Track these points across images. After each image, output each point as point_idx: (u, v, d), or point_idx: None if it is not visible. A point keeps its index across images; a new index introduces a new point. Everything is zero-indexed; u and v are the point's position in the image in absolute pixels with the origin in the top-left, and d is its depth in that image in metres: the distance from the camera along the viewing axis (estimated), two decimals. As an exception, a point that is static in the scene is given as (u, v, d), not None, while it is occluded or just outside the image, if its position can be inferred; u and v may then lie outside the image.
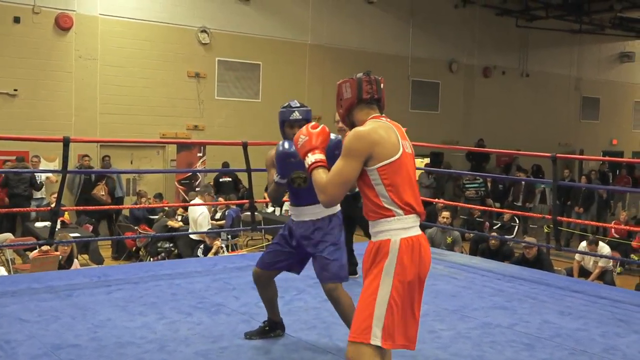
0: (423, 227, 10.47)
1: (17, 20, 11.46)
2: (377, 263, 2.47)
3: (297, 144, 2.65)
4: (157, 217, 11.00)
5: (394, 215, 2.48)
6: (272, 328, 3.86)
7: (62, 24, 11.89)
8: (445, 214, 8.63)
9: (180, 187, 12.90)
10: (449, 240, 8.56)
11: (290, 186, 3.59)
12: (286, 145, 3.46)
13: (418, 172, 15.15)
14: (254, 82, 14.48)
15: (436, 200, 11.08)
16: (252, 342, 3.77)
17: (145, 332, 3.91)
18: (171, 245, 10.00)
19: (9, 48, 11.39)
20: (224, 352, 3.60)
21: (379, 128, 2.53)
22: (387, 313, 2.40)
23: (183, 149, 13.09)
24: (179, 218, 10.80)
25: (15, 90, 11.47)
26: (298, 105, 3.67)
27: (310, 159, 2.57)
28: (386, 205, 2.49)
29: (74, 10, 12.03)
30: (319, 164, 2.55)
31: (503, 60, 18.87)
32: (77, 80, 12.13)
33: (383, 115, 2.68)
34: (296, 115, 3.63)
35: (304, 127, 2.69)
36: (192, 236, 9.39)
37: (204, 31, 13.59)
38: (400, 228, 2.48)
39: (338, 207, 3.63)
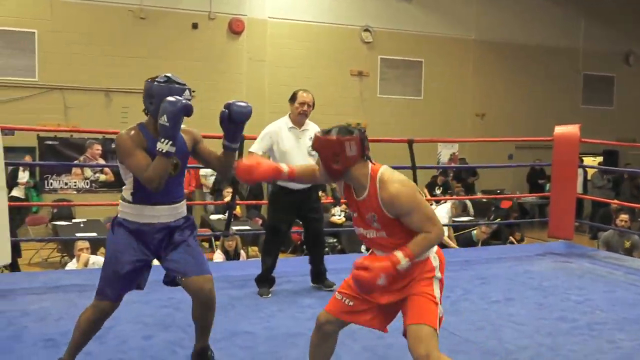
0: (597, 230, 9.80)
1: (195, 26, 12.28)
2: (419, 281, 2.61)
3: (379, 287, 2.52)
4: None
5: None
6: None
7: (235, 28, 12.57)
8: (624, 216, 8.03)
9: (343, 184, 13.11)
10: (627, 244, 7.98)
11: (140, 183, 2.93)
12: (176, 98, 2.83)
13: (591, 172, 14.30)
14: (416, 79, 14.41)
15: (613, 201, 10.38)
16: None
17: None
18: (335, 240, 10.22)
19: (188, 52, 12.22)
20: (390, 349, 3.62)
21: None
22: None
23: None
24: (342, 215, 11.01)
25: (193, 91, 12.19)
26: (183, 82, 3.00)
27: (404, 262, 2.51)
28: None
29: (245, 15, 12.67)
30: (408, 250, 2.52)
31: (689, 50, 17.28)
32: (248, 81, 12.76)
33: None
34: (188, 94, 2.96)
35: (362, 274, 2.47)
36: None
37: (367, 30, 13.74)
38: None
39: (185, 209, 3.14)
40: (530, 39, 15.22)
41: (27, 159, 10.69)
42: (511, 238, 9.85)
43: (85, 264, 6.22)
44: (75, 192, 11.65)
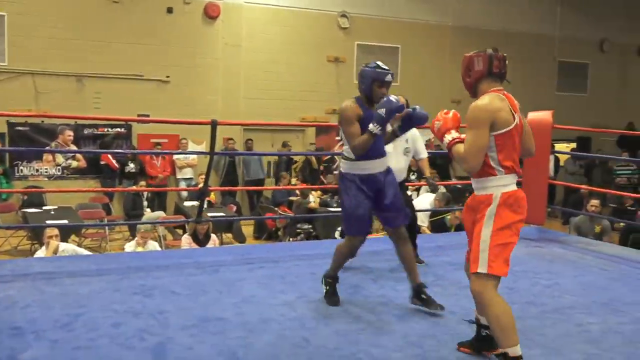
0: (569, 215, 9.92)
1: (170, 10, 12.13)
2: (481, 212, 3.01)
3: (433, 129, 3.15)
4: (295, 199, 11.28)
5: (496, 175, 3.00)
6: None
7: (210, 13, 12.45)
8: (594, 202, 8.12)
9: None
10: (597, 229, 8.08)
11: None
12: (395, 99, 3.75)
13: (563, 158, 14.45)
14: (393, 66, 14.35)
15: (583, 187, 10.50)
16: (391, 323, 3.77)
17: (286, 309, 4.01)
18: (310, 226, 10.21)
19: (162, 37, 12.07)
20: (362, 332, 3.62)
21: (495, 99, 2.99)
22: (490, 250, 2.95)
23: (322, 132, 13.29)
24: (317, 200, 11.01)
25: (168, 77, 12.16)
26: (388, 68, 3.95)
27: (448, 137, 3.07)
28: (492, 165, 2.99)
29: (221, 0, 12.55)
30: (457, 140, 3.05)
31: (661, 38, 17.49)
32: (224, 66, 12.65)
33: (501, 89, 3.08)
34: (390, 77, 3.93)
35: (439, 114, 3.16)
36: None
37: (343, 16, 13.69)
38: (501, 185, 3.00)
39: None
40: (507, 26, 15.28)
41: (-3, 145, 10.53)
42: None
43: (55, 252, 6.14)
44: (46, 179, 11.49)
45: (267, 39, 13.04)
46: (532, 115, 6.52)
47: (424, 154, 5.35)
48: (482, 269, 2.95)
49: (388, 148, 4.99)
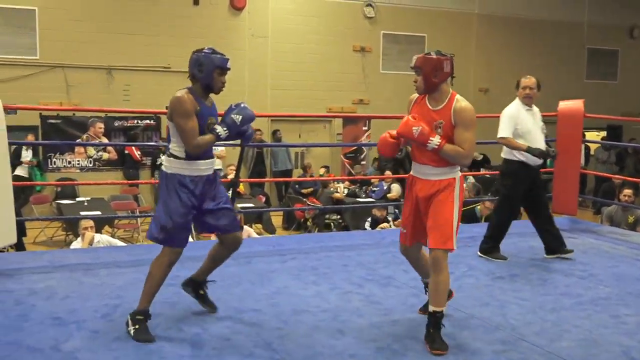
0: (600, 205, 9.72)
1: (196, 2, 12.19)
2: (447, 193, 3.33)
3: (411, 135, 3.28)
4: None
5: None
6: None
7: (236, 4, 12.48)
8: (627, 191, 8.00)
9: (346, 160, 13.14)
10: (630, 219, 7.97)
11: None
12: (245, 106, 3.52)
13: (594, 146, 14.26)
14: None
15: (616, 176, 10.36)
16: (424, 316, 3.77)
17: (319, 301, 4.04)
18: (339, 217, 10.23)
19: (188, 29, 12.11)
20: (396, 325, 3.63)
21: None
22: (455, 231, 3.37)
23: (349, 122, 13.28)
24: (346, 191, 11.03)
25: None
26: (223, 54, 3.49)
27: (435, 140, 3.27)
28: None
29: (247, -10, 12.57)
30: (445, 141, 3.29)
31: (692, 23, 17.15)
32: (250, 57, 12.68)
33: None
34: (229, 64, 3.47)
35: (410, 120, 3.28)
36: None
37: (369, 5, 13.63)
38: (458, 169, 3.42)
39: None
40: (533, 13, 15.09)
41: (30, 137, 10.69)
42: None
43: (91, 243, 6.25)
44: (78, 171, 11.67)
45: (293, 30, 13.04)
46: (563, 105, 6.46)
47: None
48: (449, 245, 3.29)
49: (530, 124, 5.11)
